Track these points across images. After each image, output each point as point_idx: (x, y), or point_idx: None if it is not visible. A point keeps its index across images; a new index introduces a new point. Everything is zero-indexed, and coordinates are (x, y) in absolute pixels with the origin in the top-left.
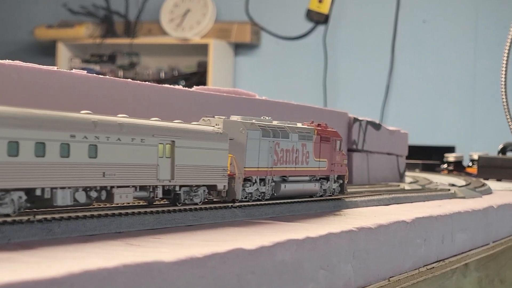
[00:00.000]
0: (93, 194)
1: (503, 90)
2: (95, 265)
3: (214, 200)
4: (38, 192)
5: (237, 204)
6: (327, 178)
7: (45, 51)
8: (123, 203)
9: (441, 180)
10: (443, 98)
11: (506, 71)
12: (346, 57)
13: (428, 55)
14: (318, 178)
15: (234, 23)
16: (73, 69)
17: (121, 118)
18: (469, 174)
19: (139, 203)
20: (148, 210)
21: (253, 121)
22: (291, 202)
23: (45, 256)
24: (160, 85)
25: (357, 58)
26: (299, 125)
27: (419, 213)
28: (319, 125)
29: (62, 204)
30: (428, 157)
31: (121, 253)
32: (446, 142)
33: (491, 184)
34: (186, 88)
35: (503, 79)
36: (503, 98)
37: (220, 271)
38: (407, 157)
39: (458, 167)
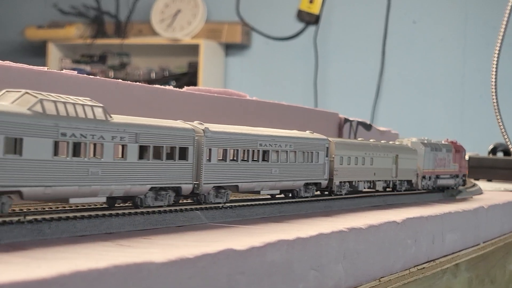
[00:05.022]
0: (367, 185)
1: (493, 90)
2: (85, 265)
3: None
4: (354, 183)
5: (228, 204)
6: (457, 176)
7: (36, 52)
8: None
9: None
10: (433, 98)
11: (496, 71)
12: (336, 57)
13: (418, 55)
14: (453, 176)
15: (225, 24)
16: (64, 70)
17: (378, 142)
18: None
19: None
20: (138, 211)
21: (425, 141)
22: (281, 203)
23: (35, 257)
24: (150, 85)
25: (348, 58)
26: (443, 141)
27: (410, 213)
28: (452, 142)
29: (362, 190)
30: None
31: (111, 254)
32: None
33: (482, 184)
34: (177, 89)
35: (493, 80)
36: (493, 99)
37: (211, 272)
38: None
39: None
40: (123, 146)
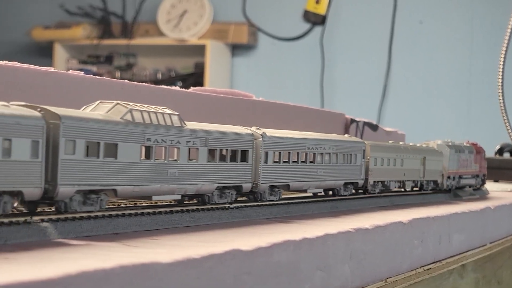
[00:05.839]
0: (397, 184)
1: (500, 91)
2: (91, 266)
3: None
4: (386, 183)
5: (234, 205)
6: (477, 175)
7: (42, 52)
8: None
9: None
10: (439, 98)
11: (503, 72)
12: (343, 58)
13: (424, 55)
14: (474, 176)
15: (231, 24)
16: (70, 70)
17: (408, 145)
18: None
19: (140, 203)
20: (145, 211)
21: (450, 143)
22: (288, 203)
23: (41, 257)
24: (157, 86)
25: (354, 59)
26: (464, 143)
27: (416, 214)
28: (472, 144)
29: (392, 189)
30: None
31: (118, 254)
32: None
33: (488, 185)
34: (183, 89)
35: (499, 80)
36: (500, 99)
37: (217, 272)
38: None
39: None
40: (195, 149)
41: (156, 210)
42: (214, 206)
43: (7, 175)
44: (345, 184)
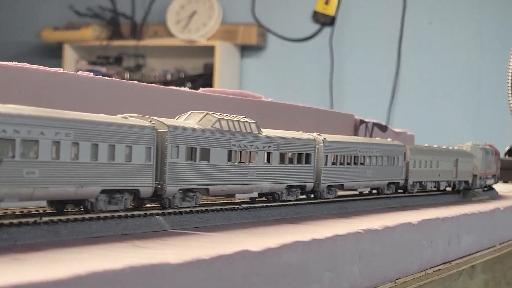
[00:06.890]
0: (433, 184)
1: (509, 92)
2: (101, 266)
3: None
4: (423, 183)
5: (244, 206)
6: (494, 175)
7: (52, 53)
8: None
9: None
10: (448, 99)
11: None
12: (352, 59)
13: (434, 56)
14: (492, 176)
15: (240, 25)
16: (80, 71)
17: (442, 147)
18: None
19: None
20: (154, 212)
21: (480, 146)
22: (297, 204)
23: (51, 257)
24: (166, 87)
25: (364, 60)
26: (484, 145)
27: (426, 215)
28: (489, 145)
29: (429, 188)
30: None
31: (127, 255)
32: (452, 143)
33: (498, 186)
34: (192, 90)
35: (509, 81)
36: (509, 100)
37: (226, 273)
38: None
39: None
40: (269, 153)
41: (165, 211)
42: (223, 207)
43: (129, 176)
44: (388, 184)
